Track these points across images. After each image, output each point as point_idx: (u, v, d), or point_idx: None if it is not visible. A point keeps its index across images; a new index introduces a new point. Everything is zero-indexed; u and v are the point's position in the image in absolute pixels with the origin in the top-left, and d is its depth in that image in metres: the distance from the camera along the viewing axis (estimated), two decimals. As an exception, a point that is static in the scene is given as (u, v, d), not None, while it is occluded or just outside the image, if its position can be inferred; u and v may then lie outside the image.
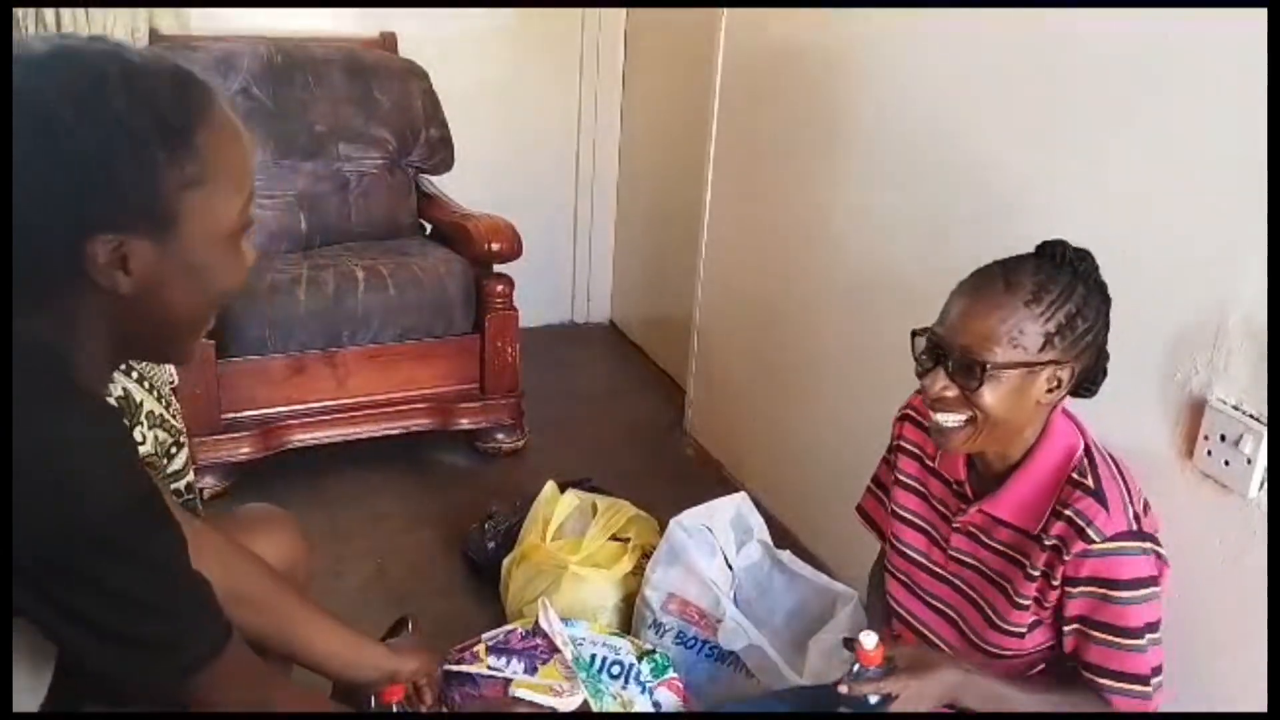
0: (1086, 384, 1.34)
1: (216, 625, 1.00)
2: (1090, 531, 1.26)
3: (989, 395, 1.26)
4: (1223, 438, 1.40)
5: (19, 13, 2.66)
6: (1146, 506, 1.35)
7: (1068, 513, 1.28)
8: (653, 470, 2.89)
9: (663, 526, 2.00)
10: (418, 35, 3.37)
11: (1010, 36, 1.77)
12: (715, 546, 1.87)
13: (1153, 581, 1.28)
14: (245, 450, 2.64)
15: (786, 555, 2.05)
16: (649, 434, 3.16)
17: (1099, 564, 1.27)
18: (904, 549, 1.50)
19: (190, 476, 2.03)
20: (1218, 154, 1.41)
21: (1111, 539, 1.26)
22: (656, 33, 3.56)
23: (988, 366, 1.25)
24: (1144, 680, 1.30)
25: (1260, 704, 1.36)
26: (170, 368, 1.96)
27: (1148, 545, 1.28)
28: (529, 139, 3.70)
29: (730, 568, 1.86)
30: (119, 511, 0.88)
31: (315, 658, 1.36)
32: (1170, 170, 1.49)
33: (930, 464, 1.47)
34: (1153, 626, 1.29)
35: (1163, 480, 1.49)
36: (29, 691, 0.97)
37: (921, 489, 1.48)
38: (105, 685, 0.99)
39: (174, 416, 1.91)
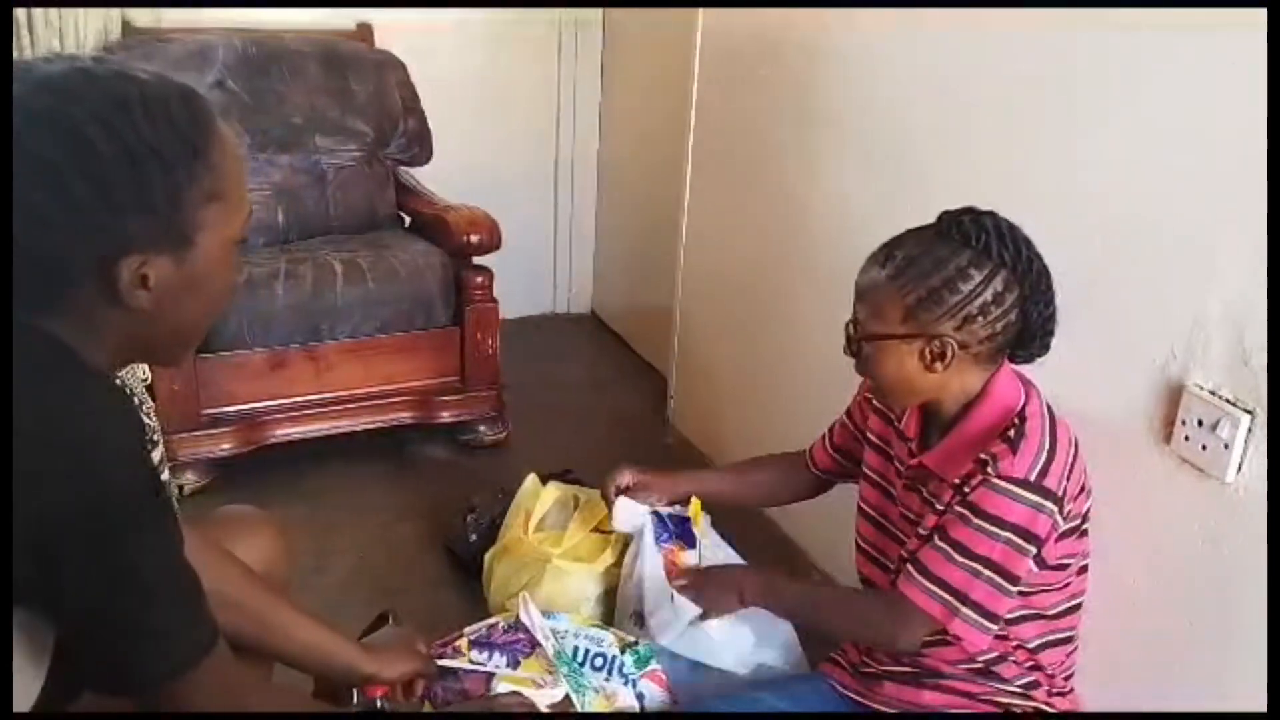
0: (1018, 351, 1.35)
1: (207, 626, 0.99)
2: (990, 467, 1.28)
3: (862, 363, 1.37)
4: (1200, 422, 1.40)
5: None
6: (1084, 487, 1.35)
7: (982, 456, 1.29)
8: (635, 461, 2.84)
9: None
10: (394, 26, 3.34)
11: (989, 27, 1.76)
12: (696, 539, 1.86)
13: (1019, 531, 1.27)
14: (226, 446, 2.62)
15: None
16: (631, 425, 3.16)
17: (980, 494, 1.28)
18: (866, 508, 1.54)
19: (165, 475, 2.01)
20: (1195, 140, 1.41)
21: (1003, 478, 1.27)
22: (635, 22, 3.54)
23: (852, 337, 1.36)
24: (953, 592, 1.29)
25: (1242, 686, 1.37)
26: (144, 365, 1.95)
27: (1035, 499, 1.27)
28: (508, 130, 3.69)
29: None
30: (134, 483, 0.90)
31: (295, 658, 1.35)
32: (1148, 156, 1.48)
33: (895, 424, 1.50)
34: (994, 566, 1.28)
35: (1140, 465, 1.50)
36: (26, 682, 0.97)
37: (885, 448, 1.52)
38: (99, 675, 0.98)
39: (148, 415, 1.90)
